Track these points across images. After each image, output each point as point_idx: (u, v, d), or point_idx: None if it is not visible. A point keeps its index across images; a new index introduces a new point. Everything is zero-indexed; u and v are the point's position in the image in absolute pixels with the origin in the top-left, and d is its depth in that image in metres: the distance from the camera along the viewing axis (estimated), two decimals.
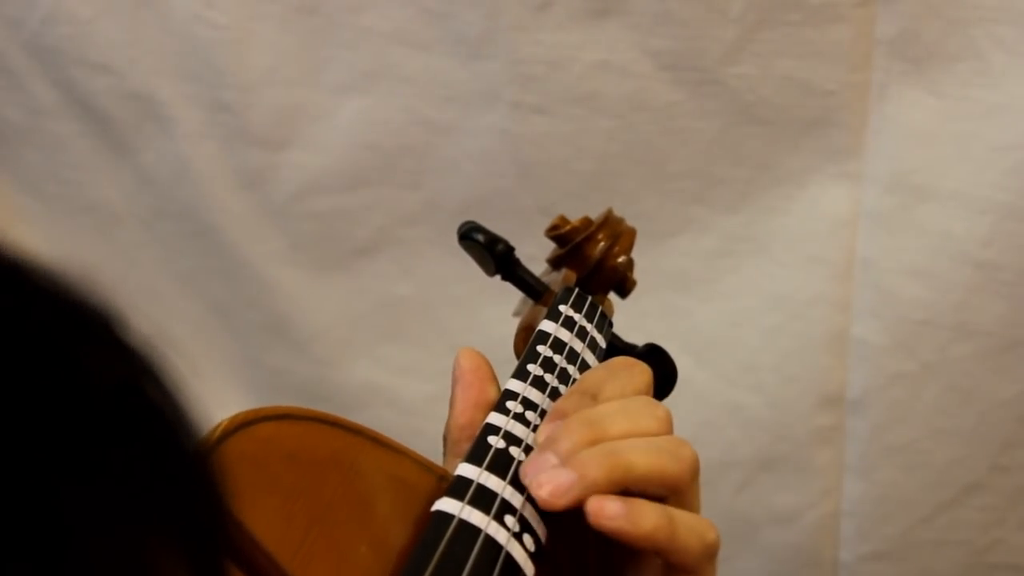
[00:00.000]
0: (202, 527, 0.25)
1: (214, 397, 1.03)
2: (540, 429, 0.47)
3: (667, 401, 0.48)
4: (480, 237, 0.57)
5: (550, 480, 0.42)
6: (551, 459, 0.43)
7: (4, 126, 1.06)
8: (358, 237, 1.08)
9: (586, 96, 1.02)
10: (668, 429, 0.46)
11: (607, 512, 0.42)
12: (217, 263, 1.07)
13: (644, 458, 0.44)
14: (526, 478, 0.44)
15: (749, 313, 1.07)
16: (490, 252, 0.57)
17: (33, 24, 1.02)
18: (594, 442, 0.44)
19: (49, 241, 1.07)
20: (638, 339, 0.61)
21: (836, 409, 1.07)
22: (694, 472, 0.45)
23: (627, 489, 0.43)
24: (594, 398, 0.47)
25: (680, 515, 0.44)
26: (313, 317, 1.09)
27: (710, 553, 0.44)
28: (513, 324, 0.61)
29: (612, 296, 0.62)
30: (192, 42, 1.02)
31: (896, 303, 1.04)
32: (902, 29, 0.98)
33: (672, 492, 0.45)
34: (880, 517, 1.09)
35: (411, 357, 1.09)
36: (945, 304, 1.03)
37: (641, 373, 0.49)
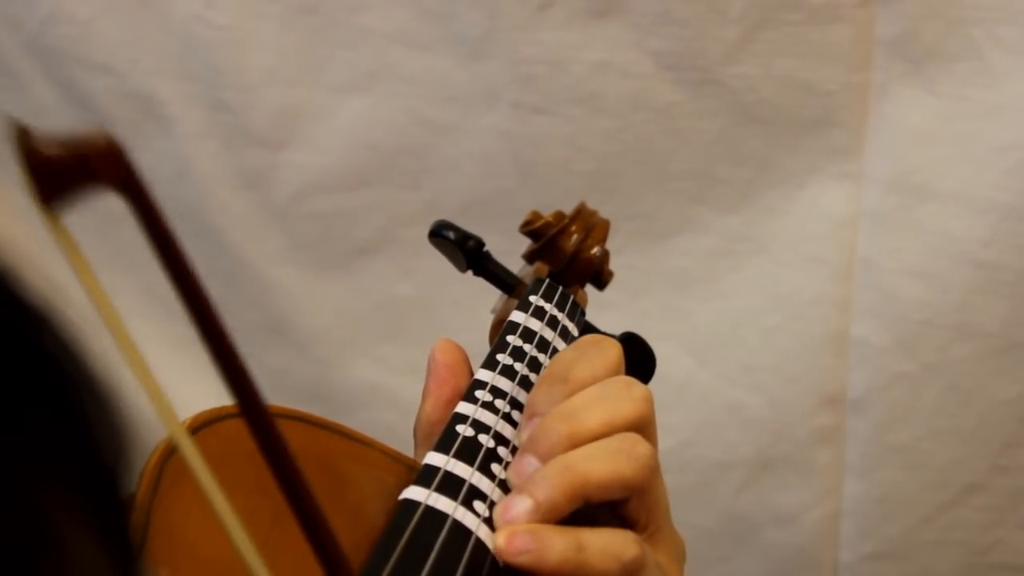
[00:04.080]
0: (104, 476, 0.24)
1: (214, 397, 1.03)
2: (519, 429, 0.47)
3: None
4: (450, 234, 0.58)
5: (508, 522, 0.42)
6: (519, 503, 0.43)
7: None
8: (358, 237, 1.08)
9: (586, 96, 1.02)
10: (648, 409, 0.46)
11: (517, 546, 0.41)
12: (217, 263, 1.07)
13: (600, 466, 0.43)
14: (495, 518, 0.43)
15: (749, 313, 1.07)
16: (460, 248, 0.58)
17: (33, 24, 1.02)
18: (573, 438, 0.44)
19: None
20: None
21: (836, 409, 1.07)
22: (652, 469, 0.45)
23: (588, 499, 0.43)
24: (564, 382, 0.46)
25: (592, 539, 0.42)
26: (313, 317, 1.09)
27: (630, 570, 0.43)
28: None
29: (593, 290, 0.62)
30: (192, 42, 1.02)
31: (896, 303, 1.04)
32: (902, 29, 0.98)
33: (633, 493, 0.45)
34: (880, 517, 1.09)
35: (411, 357, 1.09)
36: (945, 304, 1.03)
37: (610, 347, 0.48)
